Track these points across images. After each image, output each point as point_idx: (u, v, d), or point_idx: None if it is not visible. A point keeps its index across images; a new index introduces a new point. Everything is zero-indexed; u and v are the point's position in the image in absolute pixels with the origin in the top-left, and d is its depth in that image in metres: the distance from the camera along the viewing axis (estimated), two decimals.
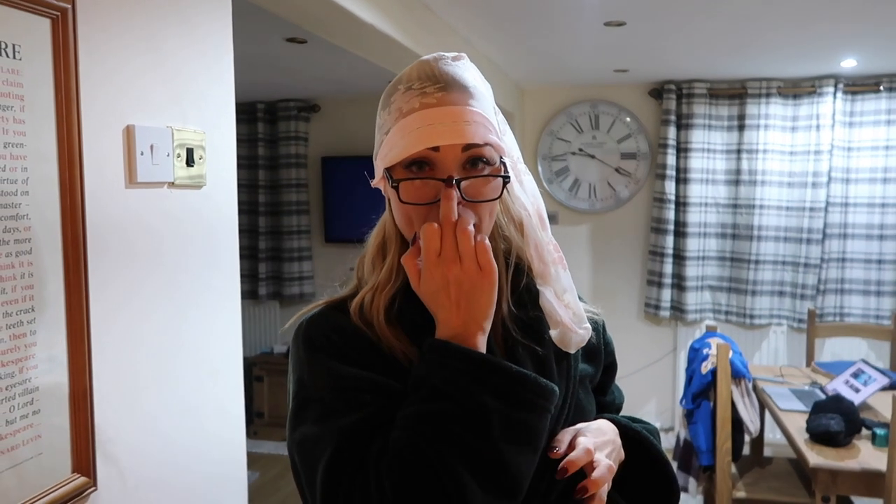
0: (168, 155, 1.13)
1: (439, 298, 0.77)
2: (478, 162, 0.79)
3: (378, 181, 0.86)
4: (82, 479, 0.98)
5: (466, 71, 0.82)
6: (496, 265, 0.77)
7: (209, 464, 1.28)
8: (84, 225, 0.97)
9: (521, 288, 0.88)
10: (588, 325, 0.89)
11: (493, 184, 0.80)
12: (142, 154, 1.08)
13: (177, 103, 1.16)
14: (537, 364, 0.84)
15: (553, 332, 0.87)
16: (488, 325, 0.78)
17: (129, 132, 1.06)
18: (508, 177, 0.82)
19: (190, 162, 1.18)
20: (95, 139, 1.00)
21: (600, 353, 0.97)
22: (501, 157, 0.82)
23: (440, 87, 0.79)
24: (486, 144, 0.79)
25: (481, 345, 0.77)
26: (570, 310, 0.88)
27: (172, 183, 1.15)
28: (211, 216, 1.26)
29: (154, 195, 1.12)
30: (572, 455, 0.80)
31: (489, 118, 0.81)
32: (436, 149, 0.77)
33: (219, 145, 1.27)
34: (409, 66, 0.83)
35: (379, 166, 0.83)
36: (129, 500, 1.08)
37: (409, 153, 0.77)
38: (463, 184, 0.78)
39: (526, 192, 0.90)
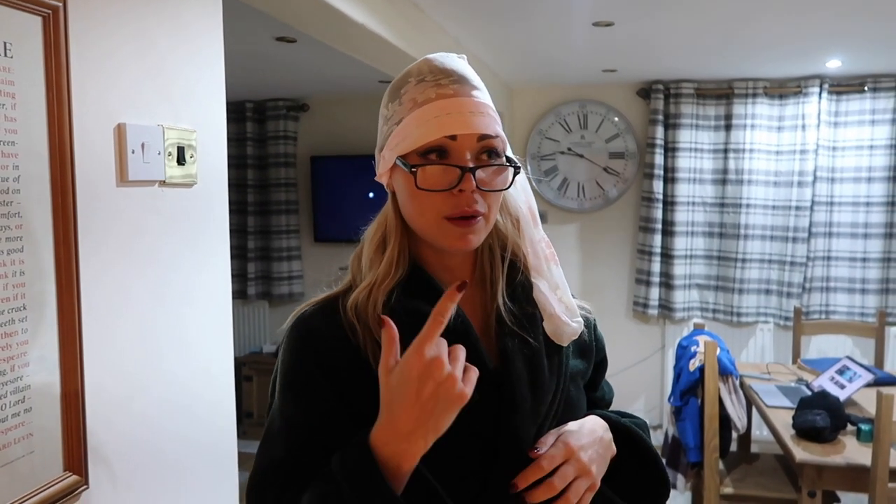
0: (159, 153, 1.13)
1: (407, 391, 0.69)
2: (489, 153, 0.82)
3: (382, 174, 0.87)
4: (74, 478, 0.98)
5: (471, 70, 0.86)
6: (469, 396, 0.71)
7: (201, 463, 1.28)
8: (75, 223, 0.97)
9: (516, 283, 0.89)
10: (580, 319, 0.91)
11: (504, 174, 0.83)
12: (133, 152, 1.08)
13: (168, 101, 1.16)
14: (528, 357, 0.85)
15: (546, 325, 0.88)
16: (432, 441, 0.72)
17: (120, 130, 1.06)
18: (519, 167, 0.84)
19: (181, 160, 1.18)
20: (87, 137, 1.00)
21: (591, 349, 0.98)
22: (505, 152, 0.85)
23: (454, 80, 0.82)
24: (497, 137, 0.82)
25: (412, 465, 0.72)
26: (563, 303, 0.89)
27: (164, 181, 1.15)
28: (202, 215, 1.26)
29: (145, 193, 1.12)
30: (524, 472, 0.79)
31: (496, 113, 0.84)
32: (453, 137, 0.79)
33: (209, 144, 1.27)
34: (415, 63, 0.85)
35: (387, 156, 0.84)
36: (120, 499, 1.08)
37: (428, 140, 0.79)
38: (477, 173, 0.80)
39: (519, 189, 0.92)
